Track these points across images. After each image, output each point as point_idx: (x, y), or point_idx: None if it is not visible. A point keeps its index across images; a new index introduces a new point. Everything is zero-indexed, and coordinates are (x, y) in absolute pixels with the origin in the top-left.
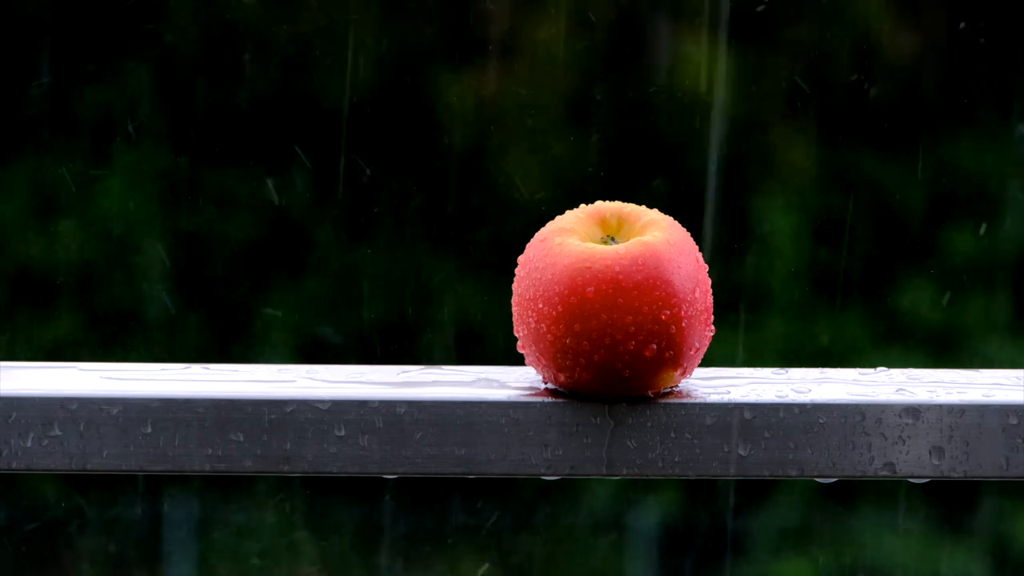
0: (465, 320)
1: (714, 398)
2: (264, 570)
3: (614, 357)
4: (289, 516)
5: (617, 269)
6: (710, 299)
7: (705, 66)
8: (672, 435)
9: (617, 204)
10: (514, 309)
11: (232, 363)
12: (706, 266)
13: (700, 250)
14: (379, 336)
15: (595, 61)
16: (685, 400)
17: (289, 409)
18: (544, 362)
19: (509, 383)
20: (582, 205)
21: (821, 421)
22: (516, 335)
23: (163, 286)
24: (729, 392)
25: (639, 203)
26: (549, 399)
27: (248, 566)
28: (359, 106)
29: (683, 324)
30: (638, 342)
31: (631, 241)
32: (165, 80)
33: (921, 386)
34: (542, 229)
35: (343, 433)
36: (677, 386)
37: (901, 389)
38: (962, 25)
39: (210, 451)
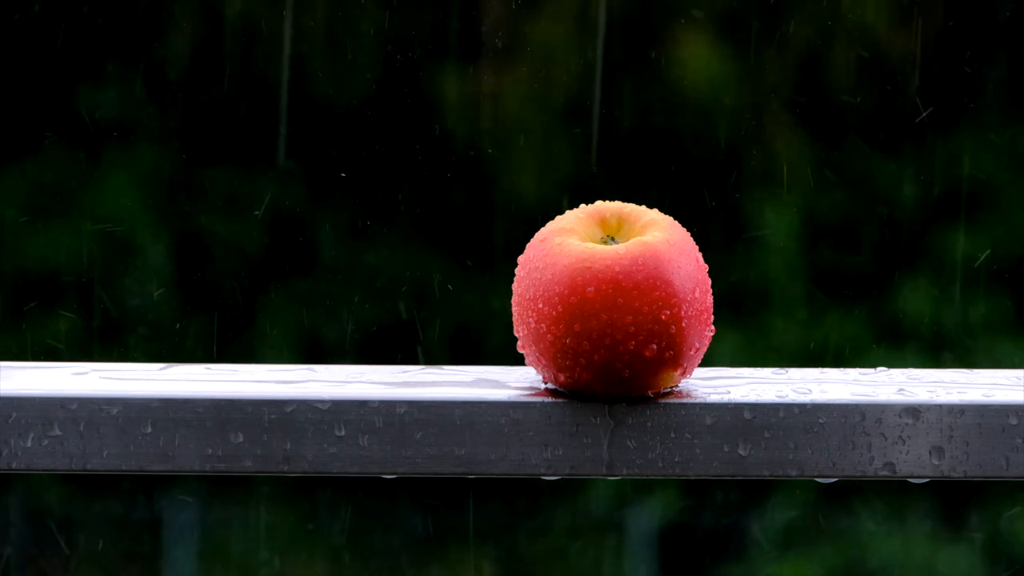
0: (465, 320)
1: (714, 398)
2: (264, 570)
3: (614, 357)
4: (288, 516)
5: (617, 269)
6: (710, 299)
7: (705, 66)
8: (672, 435)
9: (617, 204)
10: (514, 309)
11: (232, 363)
12: (706, 266)
13: (700, 250)
14: (379, 336)
15: (595, 61)
16: (685, 400)
17: (289, 409)
18: (544, 362)
19: (509, 383)
20: (582, 205)
21: (821, 421)
22: (516, 335)
23: (163, 286)
24: (729, 392)
25: (639, 203)
26: (549, 399)
27: (248, 566)
28: (359, 106)
29: (683, 324)
30: (638, 342)
31: (631, 241)
32: (165, 80)
33: (921, 386)
34: (542, 229)
35: (343, 433)
36: (677, 386)
37: (901, 389)
38: (962, 25)
39: (210, 451)
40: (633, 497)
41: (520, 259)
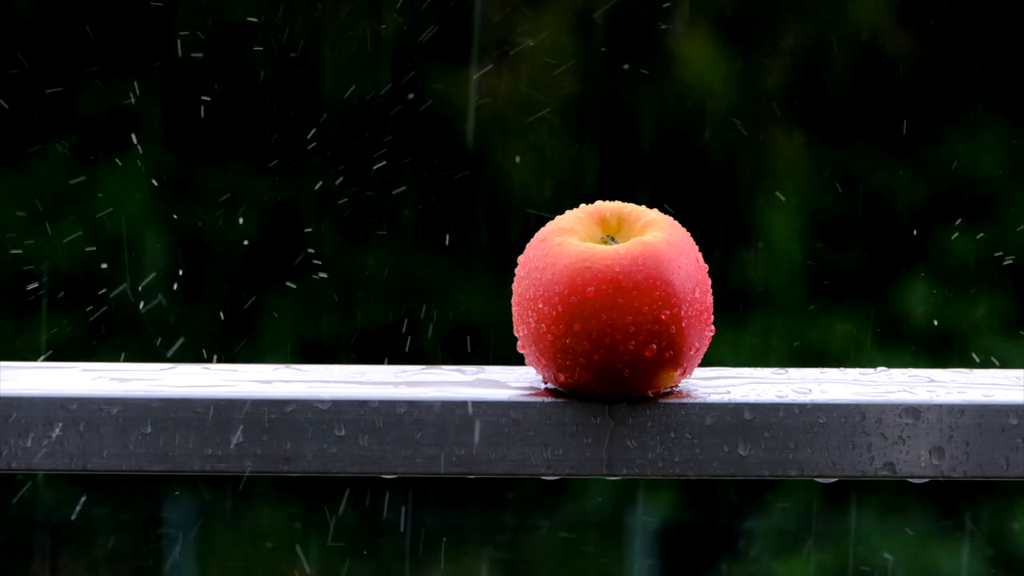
0: (465, 320)
1: (714, 398)
2: (264, 570)
3: (614, 357)
4: (288, 516)
5: (617, 269)
6: (710, 299)
7: (705, 66)
8: (672, 435)
9: (617, 204)
10: (514, 309)
11: (232, 363)
12: (706, 266)
13: (700, 250)
14: (379, 336)
15: (595, 61)
16: (685, 400)
17: (289, 409)
18: (544, 362)
19: (509, 383)
20: (582, 205)
21: (821, 421)
22: (516, 335)
23: (163, 286)
24: (729, 392)
25: (639, 203)
26: (549, 399)
27: (248, 566)
28: (359, 106)
29: (683, 324)
30: (638, 342)
31: (631, 241)
32: (165, 79)
33: (921, 386)
34: (542, 229)
35: (343, 433)
36: (677, 386)
37: (901, 389)
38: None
39: (210, 451)
40: (633, 497)
41: (520, 259)
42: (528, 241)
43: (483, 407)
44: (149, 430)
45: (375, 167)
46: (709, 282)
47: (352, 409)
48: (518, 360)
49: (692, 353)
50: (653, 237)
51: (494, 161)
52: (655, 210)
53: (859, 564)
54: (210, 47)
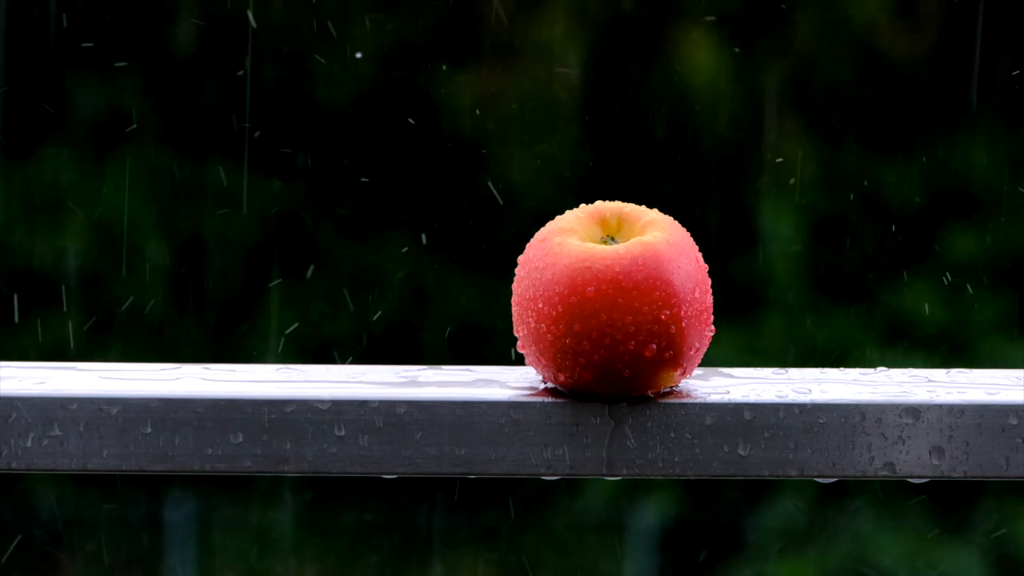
0: (465, 320)
1: (714, 398)
2: (263, 570)
3: (614, 357)
4: (288, 516)
5: (617, 269)
6: (710, 299)
7: (705, 66)
8: (672, 435)
9: (617, 204)
10: (514, 309)
11: (231, 363)
12: (706, 266)
13: (700, 250)
14: (379, 336)
15: (595, 61)
16: (685, 400)
17: (289, 409)
18: (544, 362)
19: (509, 383)
20: (582, 205)
21: (821, 421)
22: (516, 335)
23: (163, 286)
24: (729, 392)
25: (639, 203)
26: (549, 399)
27: (248, 566)
28: (359, 105)
29: (683, 324)
30: (638, 342)
31: (631, 241)
32: (165, 79)
33: (921, 386)
34: (542, 229)
35: (343, 433)
36: (677, 386)
37: (901, 389)
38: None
39: (210, 451)
40: (633, 497)
41: (520, 259)
42: (528, 241)
43: (483, 407)
44: (149, 430)
45: (375, 166)
46: (709, 282)
47: (352, 409)
48: (518, 360)
49: (692, 353)
50: (653, 237)
51: (494, 161)
52: (655, 210)
53: (859, 564)
54: (210, 47)
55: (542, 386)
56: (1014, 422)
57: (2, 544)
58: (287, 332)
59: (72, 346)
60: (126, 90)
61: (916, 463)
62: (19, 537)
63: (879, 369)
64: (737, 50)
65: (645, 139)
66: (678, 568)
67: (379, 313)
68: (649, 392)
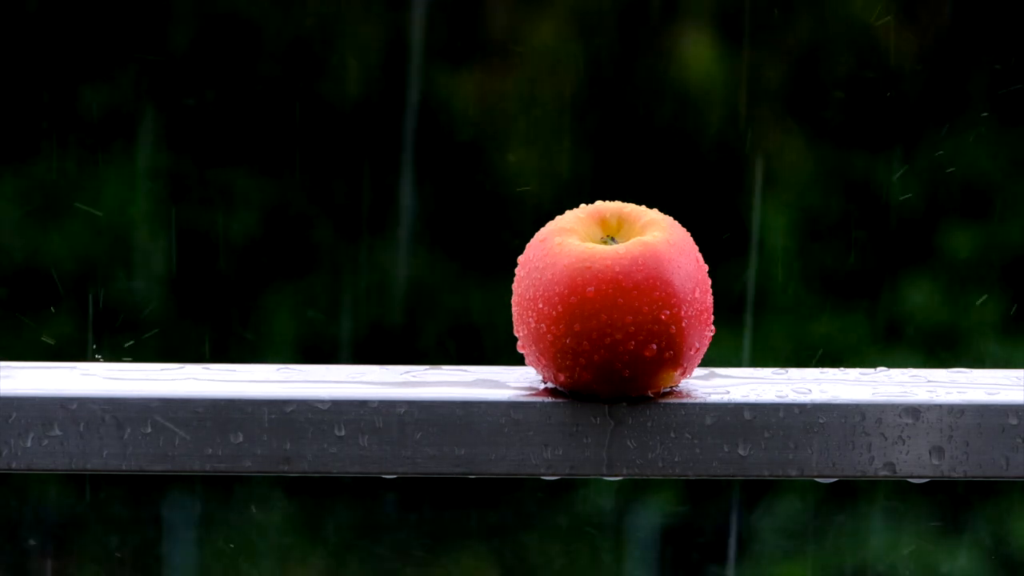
0: (465, 320)
1: (714, 398)
2: (263, 570)
3: (614, 357)
4: (288, 516)
5: (617, 269)
6: (710, 299)
7: (704, 66)
8: (672, 435)
9: (617, 204)
10: (514, 309)
11: (232, 363)
12: (706, 266)
13: (700, 250)
14: (379, 336)
15: (595, 60)
16: (685, 400)
17: (289, 409)
18: (544, 362)
19: (509, 383)
20: (582, 205)
21: (821, 421)
22: (516, 335)
23: (163, 286)
24: (729, 392)
25: (639, 203)
26: (549, 399)
27: (248, 566)
28: (359, 105)
29: (683, 324)
30: (638, 342)
31: (631, 241)
32: (165, 79)
33: (921, 386)
34: (542, 229)
35: (343, 433)
36: (677, 386)
37: (901, 389)
38: (962, 24)
39: (210, 451)
40: (633, 497)
41: (520, 259)
42: (528, 241)
43: (483, 407)
44: (149, 430)
45: (375, 166)
46: (709, 282)
47: (352, 409)
48: (518, 360)
49: (692, 353)
50: (653, 237)
51: (494, 161)
52: (655, 210)
53: (859, 564)
54: (211, 46)
55: (542, 386)
56: (1014, 422)
57: (2, 544)
58: (287, 332)
59: (72, 346)
60: (126, 89)
61: (916, 463)
62: (18, 537)
63: (879, 369)
64: (737, 49)
65: (645, 139)
66: (678, 568)
67: (379, 313)
68: (649, 392)
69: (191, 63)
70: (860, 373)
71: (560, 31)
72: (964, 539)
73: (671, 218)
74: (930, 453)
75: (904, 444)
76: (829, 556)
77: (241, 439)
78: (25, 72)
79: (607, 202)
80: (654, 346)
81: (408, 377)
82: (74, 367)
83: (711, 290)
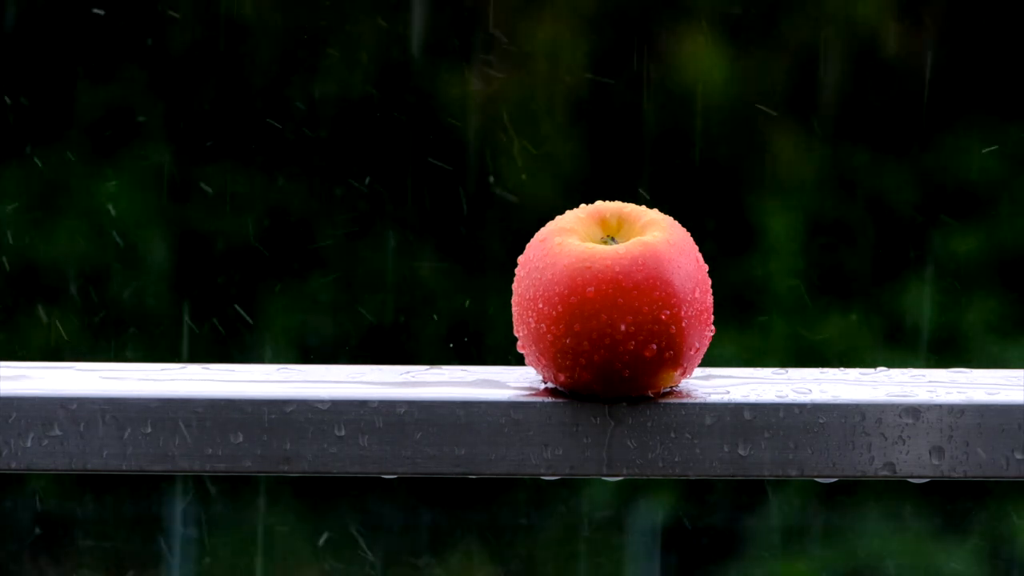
0: (465, 320)
1: (714, 398)
2: (263, 570)
3: (614, 357)
4: (287, 515)
5: (617, 269)
6: (710, 299)
7: (704, 66)
8: (672, 435)
9: (617, 204)
10: (514, 309)
11: (231, 363)
12: (706, 266)
13: (700, 250)
14: (379, 336)
15: (595, 60)
16: (685, 400)
17: (289, 409)
18: (544, 362)
19: (509, 383)
20: (582, 205)
21: (821, 421)
22: (516, 335)
23: (163, 285)
24: (729, 392)
25: (638, 203)
26: (549, 399)
27: (247, 566)
28: (359, 104)
29: (683, 324)
30: (638, 342)
31: (631, 241)
32: (165, 79)
33: (921, 386)
34: (542, 229)
35: (343, 433)
36: (677, 386)
37: (901, 389)
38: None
39: (210, 451)
40: (633, 497)
41: (520, 259)
42: (528, 241)
43: (483, 407)
44: (149, 430)
45: (375, 166)
46: (709, 282)
47: (352, 409)
48: (518, 360)
49: (692, 353)
50: (653, 237)
51: (494, 161)
52: (655, 210)
53: (859, 564)
54: (211, 46)
55: (542, 386)
56: (1014, 422)
57: (1, 544)
58: (287, 332)
59: (72, 346)
60: (126, 89)
61: (916, 463)
62: (19, 537)
63: (879, 369)
64: (737, 49)
65: (645, 139)
66: (678, 568)
67: (379, 313)
68: (649, 392)
69: (191, 63)
70: (860, 373)
71: (560, 31)
72: (964, 539)
73: (671, 218)
74: (930, 453)
75: (904, 444)
76: (829, 556)
77: (241, 439)
78: (25, 72)
79: (607, 202)
80: (654, 346)
81: (408, 377)
82: (74, 367)
83: (711, 290)
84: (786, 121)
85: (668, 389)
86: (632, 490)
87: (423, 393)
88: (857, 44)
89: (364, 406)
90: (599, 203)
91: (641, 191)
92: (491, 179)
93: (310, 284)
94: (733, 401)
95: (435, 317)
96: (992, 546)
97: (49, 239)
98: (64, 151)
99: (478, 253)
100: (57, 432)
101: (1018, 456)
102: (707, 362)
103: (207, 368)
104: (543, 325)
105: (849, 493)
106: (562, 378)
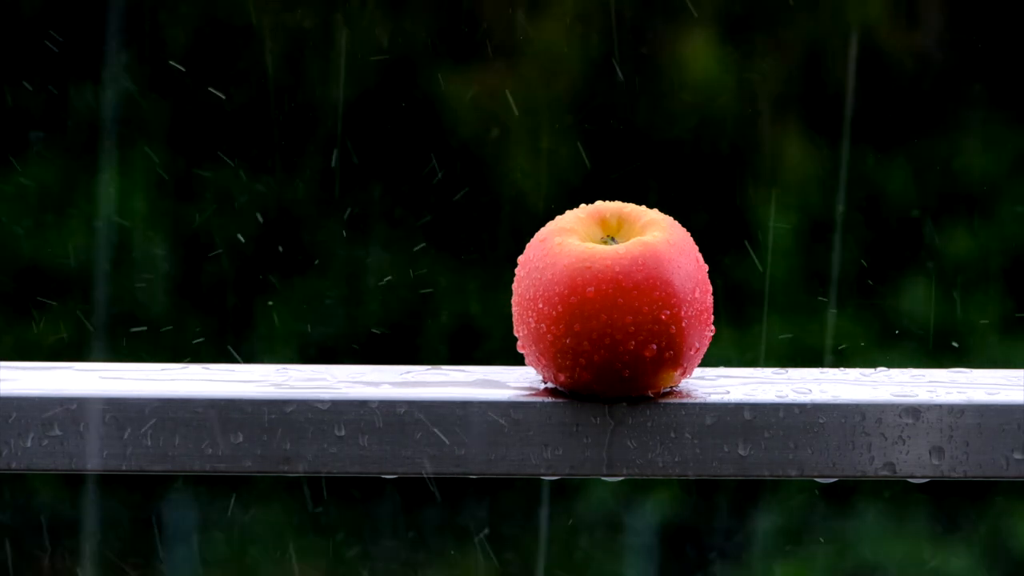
0: (465, 320)
1: (714, 398)
2: (263, 570)
3: (614, 357)
4: (288, 516)
5: (617, 269)
6: (710, 299)
7: (704, 66)
8: (672, 435)
9: (617, 204)
10: (514, 309)
11: (232, 363)
12: (706, 266)
13: (700, 250)
14: (379, 336)
15: (595, 60)
16: (685, 400)
17: (289, 409)
18: (544, 362)
19: (509, 383)
20: (582, 205)
21: (821, 421)
22: (516, 335)
23: (163, 286)
24: (729, 392)
25: (638, 203)
26: (549, 399)
27: (247, 566)
28: (359, 104)
29: (683, 324)
30: (638, 342)
31: (631, 241)
32: (164, 79)
33: (921, 386)
34: (542, 229)
35: (343, 433)
36: (677, 386)
37: (901, 389)
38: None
39: (210, 451)
40: (633, 497)
41: (520, 259)
42: (528, 241)
43: (483, 407)
44: (149, 430)
45: (375, 166)
46: (709, 282)
47: (352, 409)
48: (518, 360)
49: (692, 353)
50: (653, 237)
51: (494, 161)
52: (655, 210)
53: (859, 564)
54: (211, 46)
55: (542, 386)
56: (1014, 422)
57: (1, 544)
58: (287, 332)
59: (72, 346)
60: (128, 89)
61: (916, 463)
62: (19, 537)
63: (879, 369)
64: (736, 49)
65: (645, 138)
66: (678, 568)
67: (379, 313)
68: (649, 392)
69: (191, 63)
70: (860, 373)
71: (560, 31)
72: (964, 539)
73: (671, 218)
74: (930, 453)
75: (904, 444)
76: (829, 556)
77: (241, 439)
78: (25, 72)
79: (607, 202)
80: (654, 346)
81: (408, 377)
82: (73, 367)
83: (711, 290)
84: (786, 121)
85: (668, 389)
86: (632, 490)
87: (423, 393)
88: (858, 42)
89: (364, 406)
90: (599, 203)
91: (641, 191)
92: (491, 178)
93: (310, 284)
94: (733, 401)
95: (435, 317)
96: (992, 546)
97: (49, 239)
98: (64, 151)
99: (478, 253)
100: (57, 432)
101: (1018, 456)
102: (707, 362)
103: (207, 368)
104: (543, 325)
105: (849, 493)
106: (562, 378)
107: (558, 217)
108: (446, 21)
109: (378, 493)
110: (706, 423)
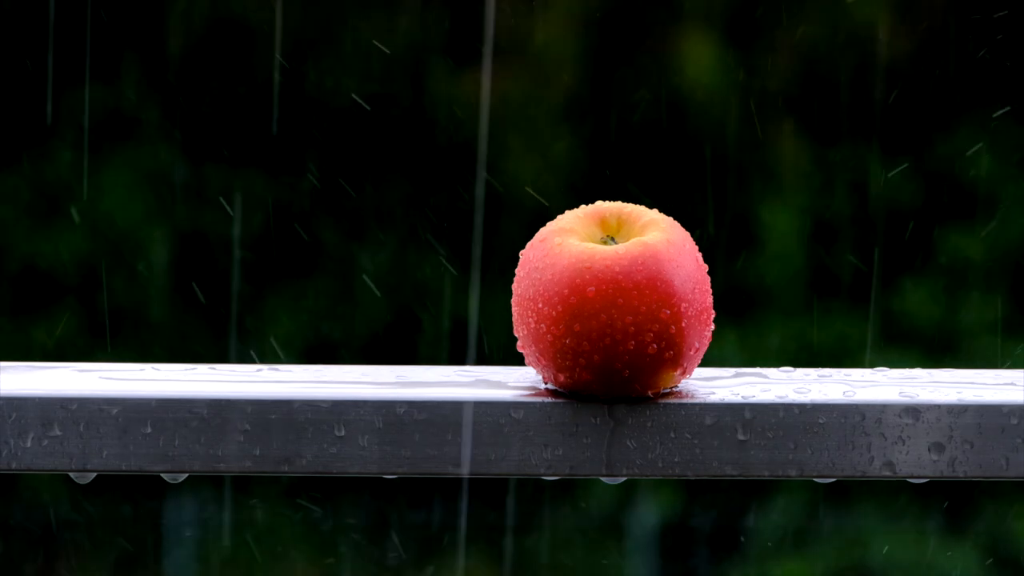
0: (465, 320)
1: (714, 398)
2: (263, 570)
3: (614, 357)
4: (288, 516)
5: (617, 269)
6: (710, 299)
7: (705, 66)
8: (672, 435)
9: (617, 204)
10: (514, 309)
11: (232, 363)
12: (706, 266)
13: (700, 250)
14: (379, 336)
15: (595, 61)
16: (685, 400)
17: (289, 409)
18: (544, 362)
19: (509, 383)
20: (582, 205)
21: (821, 421)
22: (516, 335)
23: (163, 286)
24: (729, 392)
25: (639, 203)
26: (549, 399)
27: (247, 566)
28: (359, 105)
29: (683, 324)
30: (638, 342)
31: (631, 241)
32: (165, 79)
33: (921, 386)
34: (542, 229)
35: (343, 433)
36: (677, 386)
37: (901, 389)
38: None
39: (210, 451)
40: (633, 497)
41: (520, 259)
42: (528, 241)
43: (483, 407)
44: (149, 430)
45: (375, 166)
46: (709, 282)
47: (352, 409)
48: (518, 360)
49: (692, 353)
50: (653, 237)
51: (494, 161)
52: (655, 210)
53: (859, 564)
54: (211, 46)
55: (542, 386)
56: (1014, 422)
57: (1, 544)
58: (287, 332)
59: (72, 346)
60: (127, 89)
61: (916, 463)
62: (19, 537)
63: (879, 369)
64: (736, 50)
65: (645, 139)
66: (678, 568)
67: (379, 313)
68: (649, 392)
69: (192, 63)
70: (860, 373)
71: (560, 31)
72: (964, 539)
73: (671, 218)
74: (930, 453)
75: (904, 444)
76: (829, 556)
77: (241, 439)
78: (25, 72)
79: (607, 202)
80: (654, 346)
81: (408, 377)
82: (73, 367)
83: (711, 290)
84: (786, 121)
85: (668, 389)
86: (632, 490)
87: (423, 393)
88: (858, 43)
89: (364, 406)
90: (599, 203)
91: (641, 191)
92: (491, 179)
93: (311, 284)
94: (733, 401)
95: (435, 317)
96: (992, 546)
97: (49, 239)
98: (64, 151)
99: (478, 253)
100: (57, 432)
101: (1018, 456)
102: (707, 362)
103: (208, 368)
104: (543, 325)
105: (849, 493)
106: (562, 378)
107: (558, 217)
108: (446, 21)
109: (378, 493)
110: (706, 423)
